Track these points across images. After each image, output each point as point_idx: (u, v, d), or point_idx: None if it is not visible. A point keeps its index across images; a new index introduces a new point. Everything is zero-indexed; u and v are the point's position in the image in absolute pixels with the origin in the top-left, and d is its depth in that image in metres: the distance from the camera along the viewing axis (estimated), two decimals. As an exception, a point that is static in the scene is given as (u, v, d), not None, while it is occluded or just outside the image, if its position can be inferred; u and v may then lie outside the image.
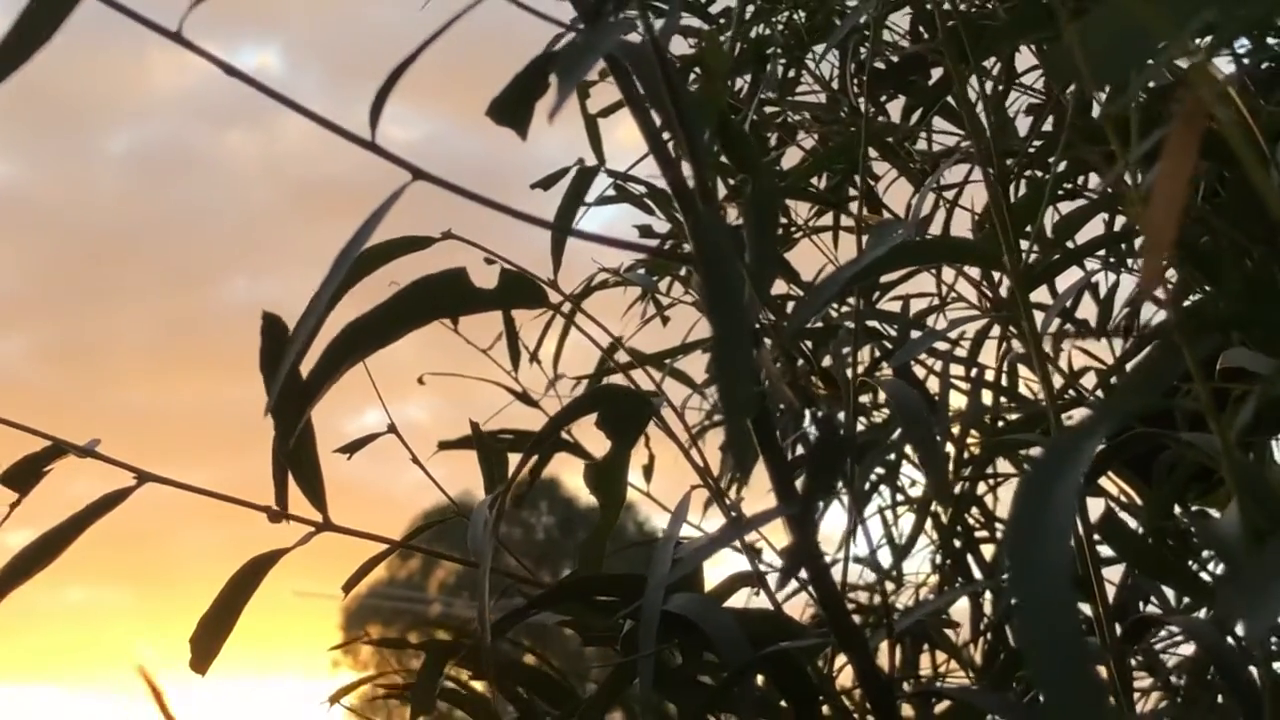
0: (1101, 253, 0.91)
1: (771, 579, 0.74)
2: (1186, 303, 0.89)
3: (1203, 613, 0.84)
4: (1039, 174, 0.98)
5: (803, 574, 0.58)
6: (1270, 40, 0.94)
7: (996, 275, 1.01)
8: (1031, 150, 0.86)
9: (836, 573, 0.71)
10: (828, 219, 1.19)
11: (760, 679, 0.64)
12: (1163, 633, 0.87)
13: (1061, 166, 0.81)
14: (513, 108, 0.52)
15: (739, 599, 0.81)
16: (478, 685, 0.83)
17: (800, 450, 0.96)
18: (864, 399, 1.10)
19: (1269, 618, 0.27)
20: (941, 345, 1.07)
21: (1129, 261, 0.92)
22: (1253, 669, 0.57)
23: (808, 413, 0.70)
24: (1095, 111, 0.91)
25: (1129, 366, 0.90)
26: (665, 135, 0.54)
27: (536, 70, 0.50)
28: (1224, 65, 0.88)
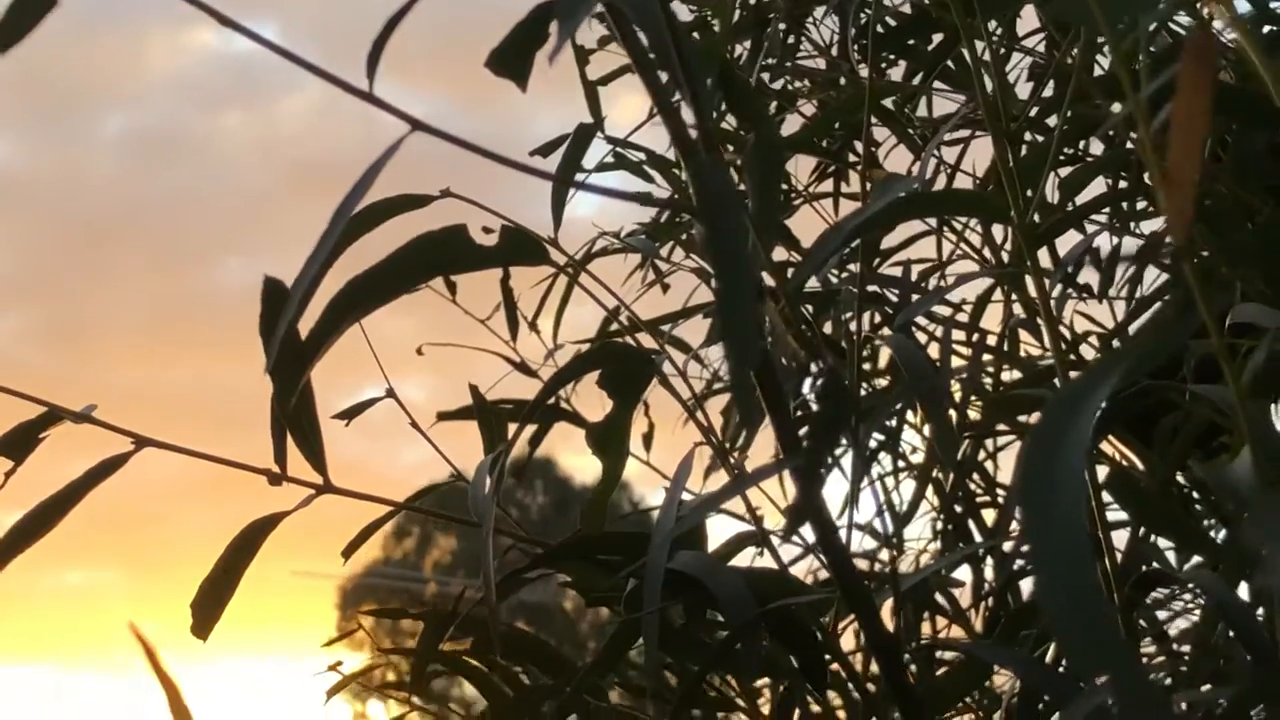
0: (1104, 216, 0.90)
1: (776, 541, 0.74)
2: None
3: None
4: (1040, 138, 0.97)
5: (808, 533, 0.57)
6: (1273, 4, 0.93)
7: (999, 238, 1.00)
8: (1034, 113, 0.86)
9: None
10: (828, 185, 1.18)
11: (765, 639, 0.64)
12: (1169, 603, 0.87)
13: (1065, 128, 0.80)
14: (512, 58, 0.51)
15: (743, 560, 0.81)
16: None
17: (803, 410, 0.95)
18: (864, 365, 1.10)
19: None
20: (943, 310, 1.06)
21: (1131, 224, 0.91)
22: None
23: (813, 366, 0.69)
24: (1098, 73, 0.90)
25: (1133, 328, 0.90)
26: (667, 82, 0.54)
27: (537, 21, 0.50)
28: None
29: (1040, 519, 0.34)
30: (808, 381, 0.75)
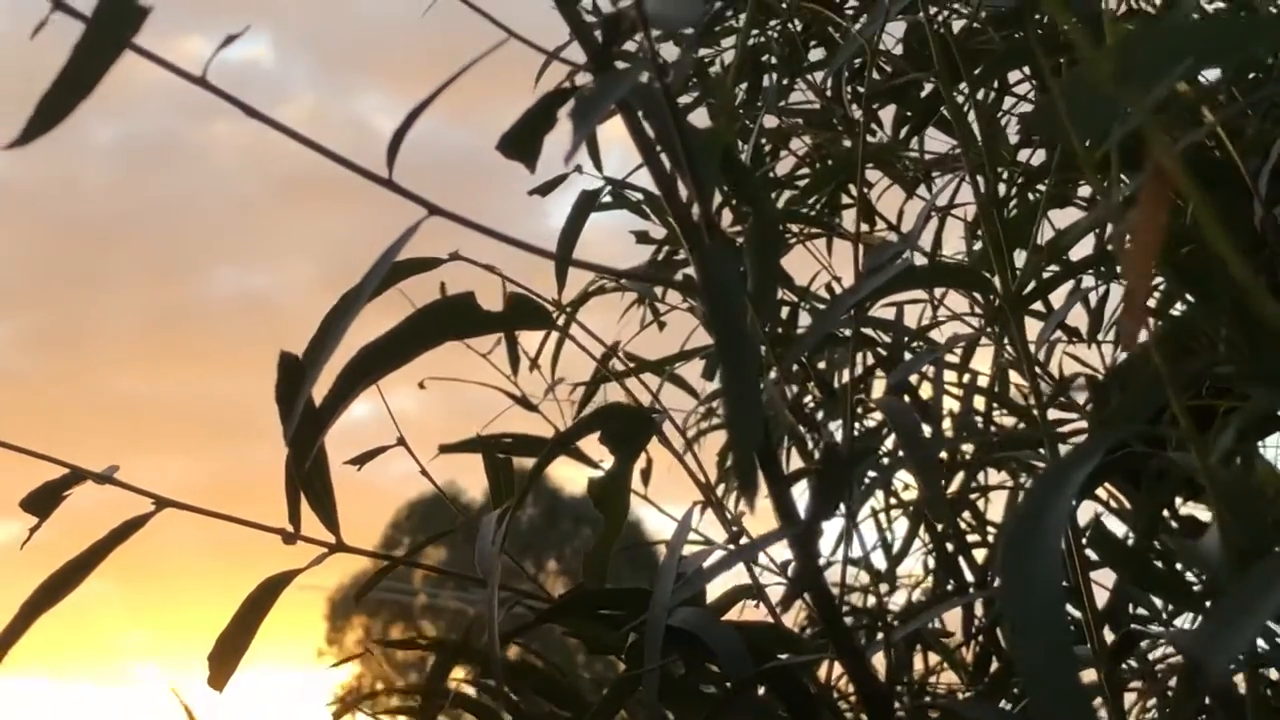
0: (1092, 263, 0.93)
1: (770, 590, 0.76)
2: (1174, 312, 0.91)
3: (1188, 618, 0.86)
4: (1029, 181, 0.99)
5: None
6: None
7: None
8: (1024, 164, 0.88)
9: (831, 574, 0.73)
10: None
11: (760, 689, 0.66)
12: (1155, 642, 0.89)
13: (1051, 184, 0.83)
14: (523, 142, 0.53)
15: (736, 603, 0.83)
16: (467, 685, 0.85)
17: (794, 463, 0.98)
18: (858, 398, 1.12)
19: (1233, 651, 0.29)
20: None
21: (1119, 272, 0.94)
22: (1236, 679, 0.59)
23: (803, 430, 0.72)
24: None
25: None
26: (668, 166, 0.56)
27: (547, 107, 0.52)
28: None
29: (1019, 597, 0.36)
30: (797, 434, 0.78)
